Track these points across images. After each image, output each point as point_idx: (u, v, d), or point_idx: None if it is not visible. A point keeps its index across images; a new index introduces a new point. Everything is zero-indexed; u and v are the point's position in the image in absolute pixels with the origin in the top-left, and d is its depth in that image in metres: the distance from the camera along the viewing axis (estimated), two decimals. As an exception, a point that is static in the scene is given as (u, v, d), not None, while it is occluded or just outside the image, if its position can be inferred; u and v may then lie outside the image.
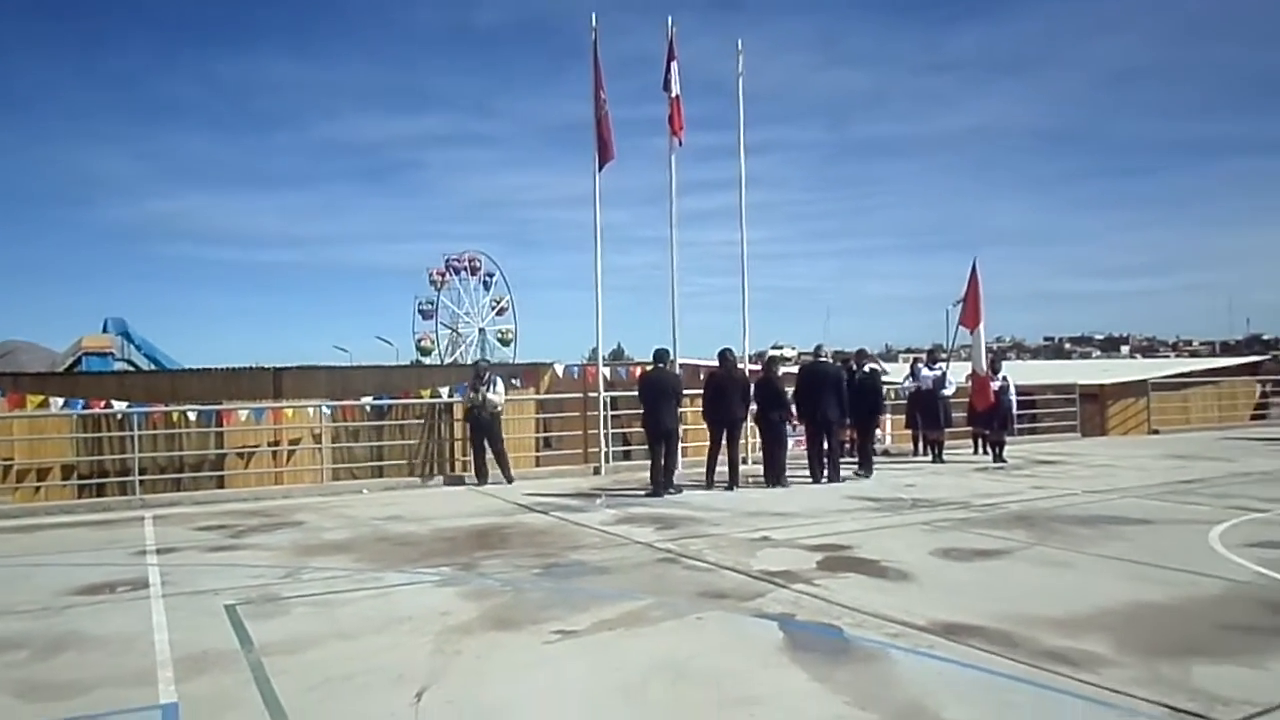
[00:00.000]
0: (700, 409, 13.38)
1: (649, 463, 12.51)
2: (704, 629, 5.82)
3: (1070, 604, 6.19)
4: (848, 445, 14.75)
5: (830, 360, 13.73)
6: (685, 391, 13.29)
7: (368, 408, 15.53)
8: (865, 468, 13.73)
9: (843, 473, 13.33)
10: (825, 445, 13.23)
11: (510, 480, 13.36)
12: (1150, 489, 11.92)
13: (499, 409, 13.60)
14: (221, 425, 14.31)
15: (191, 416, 14.05)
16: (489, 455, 13.53)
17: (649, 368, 13.38)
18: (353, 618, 6.20)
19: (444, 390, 16.52)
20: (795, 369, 14.61)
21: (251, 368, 17.99)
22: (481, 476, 13.48)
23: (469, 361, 59.82)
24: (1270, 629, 5.66)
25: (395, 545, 8.89)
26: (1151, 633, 5.57)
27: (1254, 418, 25.06)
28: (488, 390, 13.51)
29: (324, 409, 14.80)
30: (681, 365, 14.78)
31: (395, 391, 17.27)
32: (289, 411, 14.85)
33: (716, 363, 13.19)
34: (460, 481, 13.84)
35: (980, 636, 5.48)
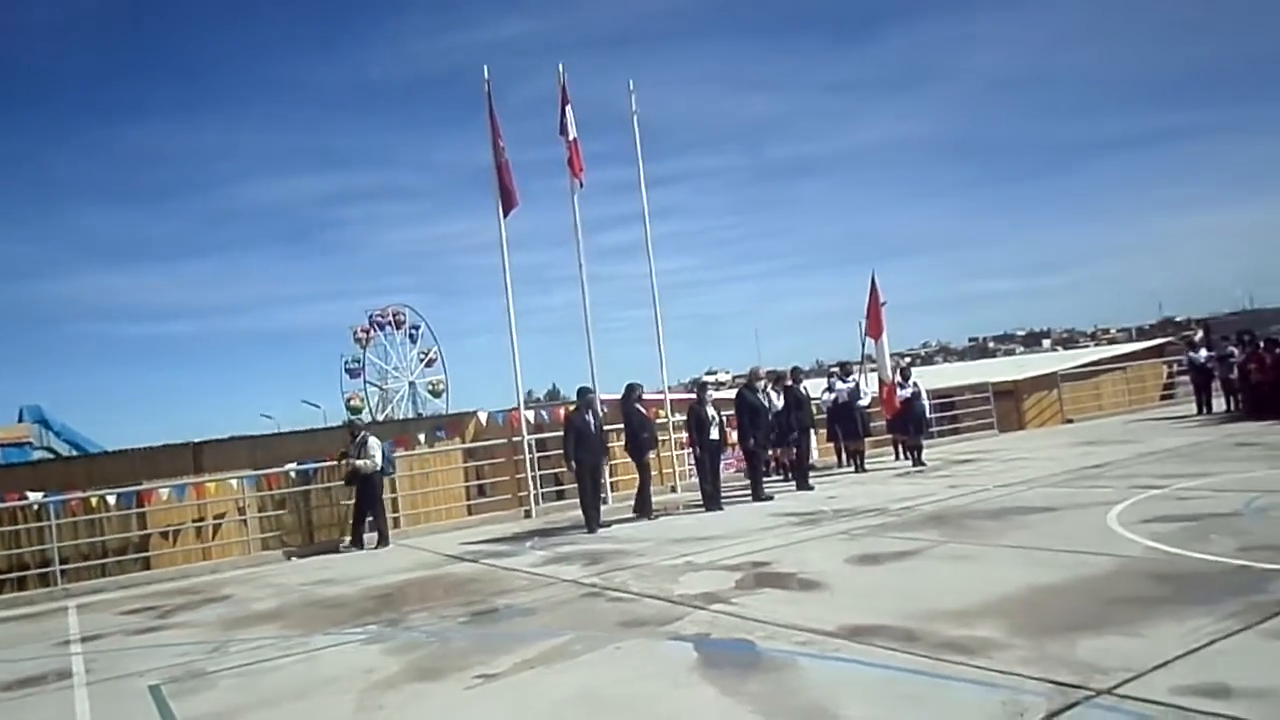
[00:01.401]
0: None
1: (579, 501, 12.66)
2: (621, 657, 5.99)
3: (970, 595, 6.50)
4: (783, 464, 15.19)
5: (763, 383, 14.14)
6: (608, 427, 13.49)
7: (292, 474, 15.40)
8: (802, 483, 14.09)
9: (777, 490, 13.70)
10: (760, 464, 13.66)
11: (386, 543, 13.06)
12: (1058, 477, 12.40)
13: (373, 470, 13.15)
14: (143, 506, 14.07)
15: (111, 500, 13.80)
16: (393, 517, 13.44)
17: (572, 408, 13.57)
18: (277, 685, 6.24)
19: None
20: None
21: (169, 445, 17.70)
22: (356, 541, 13.14)
23: (400, 417, 59.44)
24: (1151, 599, 6.01)
25: (324, 608, 8.90)
26: (1043, 614, 5.88)
27: (1162, 398, 26.03)
28: (356, 453, 13.11)
29: (245, 480, 14.64)
30: (604, 401, 14.99)
31: (323, 455, 17.17)
32: (211, 486, 14.67)
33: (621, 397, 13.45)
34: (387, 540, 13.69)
35: (884, 635, 5.74)
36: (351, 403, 65.36)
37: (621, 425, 13.46)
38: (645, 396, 14.66)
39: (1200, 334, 31.52)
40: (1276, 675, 4.37)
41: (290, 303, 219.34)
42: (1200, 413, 20.10)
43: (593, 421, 12.65)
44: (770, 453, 15.01)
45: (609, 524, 12.33)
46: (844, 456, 16.79)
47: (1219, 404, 20.36)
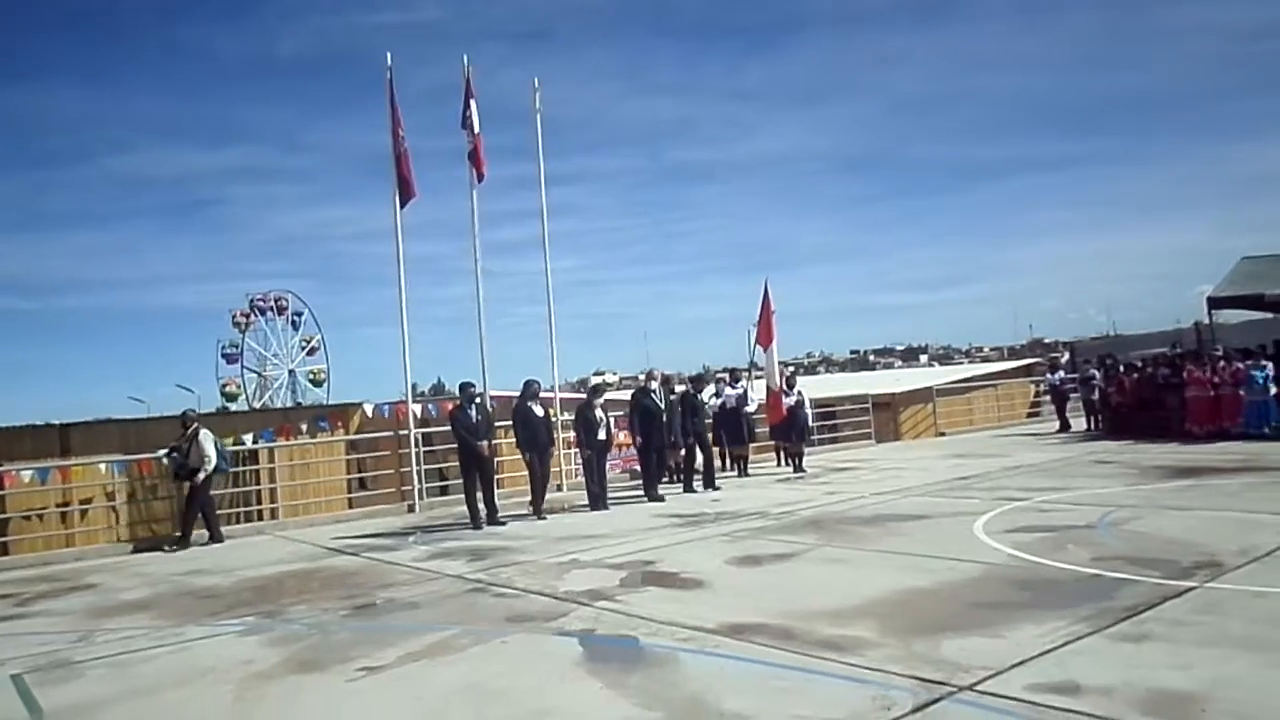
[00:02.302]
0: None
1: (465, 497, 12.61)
2: (507, 651, 6.05)
3: (845, 597, 6.77)
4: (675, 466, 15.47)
5: (658, 384, 14.38)
6: (498, 423, 13.47)
7: (165, 460, 14.90)
8: (691, 487, 14.44)
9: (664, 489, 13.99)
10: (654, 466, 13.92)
11: (220, 540, 12.28)
12: (930, 487, 12.94)
13: (208, 470, 12.31)
14: (2, 488, 13.42)
15: (-33, 482, 13.12)
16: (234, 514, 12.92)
17: (455, 403, 13.51)
18: (151, 675, 6.08)
19: (247, 438, 16.05)
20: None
21: (35, 425, 16.92)
22: (184, 541, 12.18)
23: (278, 405, 57.81)
24: (1013, 604, 6.37)
25: (197, 599, 8.67)
26: (912, 615, 6.18)
27: (1029, 415, 27.34)
28: (187, 447, 12.28)
29: (115, 465, 14.11)
30: (495, 397, 14.98)
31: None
32: (78, 469, 14.09)
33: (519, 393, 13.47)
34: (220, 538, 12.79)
35: (762, 633, 5.95)
36: (227, 389, 63.21)
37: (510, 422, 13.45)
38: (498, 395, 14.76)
39: (1065, 356, 33.22)
40: (1121, 674, 4.72)
41: (168, 281, 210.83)
42: (1060, 430, 21.20)
43: (476, 415, 12.59)
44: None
45: (502, 521, 12.25)
46: (728, 461, 17.12)
47: (1080, 423, 21.50)
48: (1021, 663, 5.00)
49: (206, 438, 12.41)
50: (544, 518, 12.48)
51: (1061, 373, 23.00)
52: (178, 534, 12.41)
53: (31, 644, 7.21)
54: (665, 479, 15.45)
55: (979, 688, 4.67)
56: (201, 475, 12.25)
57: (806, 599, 6.79)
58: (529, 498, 12.96)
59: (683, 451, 14.82)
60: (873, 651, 5.39)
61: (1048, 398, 24.62)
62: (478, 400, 13.09)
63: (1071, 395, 22.48)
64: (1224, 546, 7.68)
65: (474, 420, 12.50)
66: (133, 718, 5.19)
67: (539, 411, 13.08)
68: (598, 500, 13.09)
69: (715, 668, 5.34)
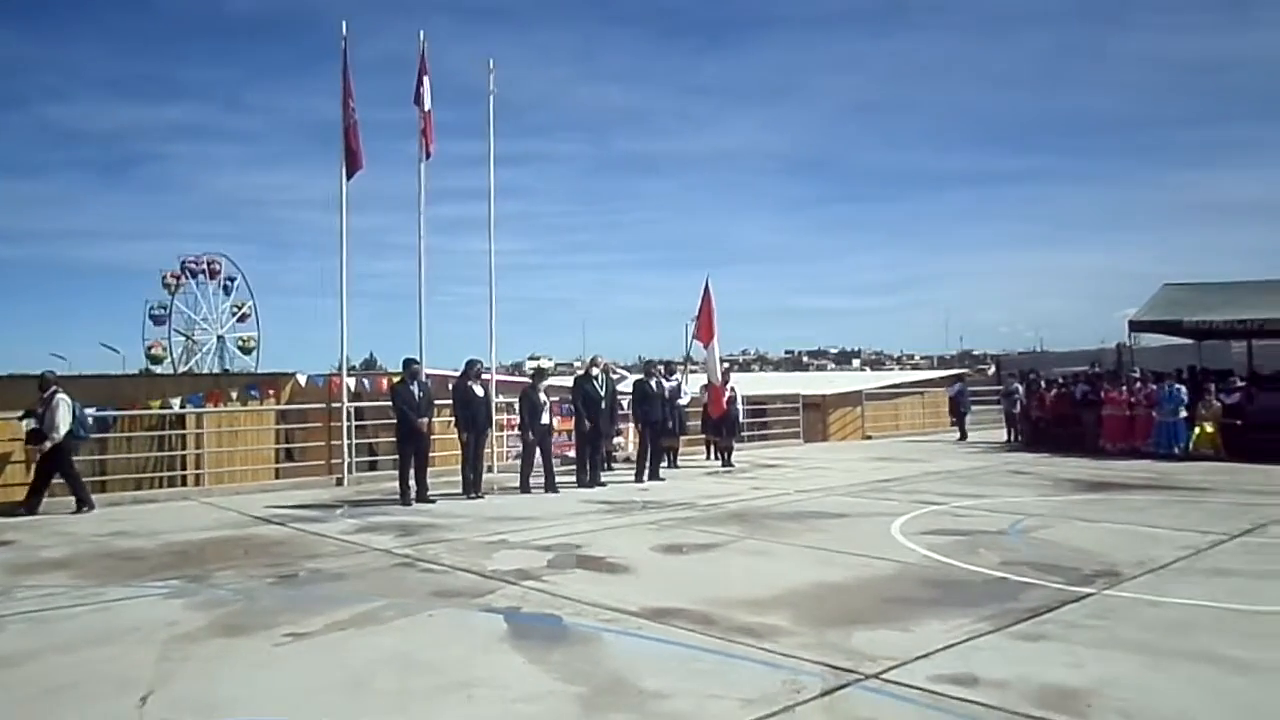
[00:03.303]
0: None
1: (396, 473, 12.64)
2: (433, 624, 6.17)
3: (763, 587, 7.02)
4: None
5: (599, 370, 14.48)
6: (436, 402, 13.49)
7: (89, 420, 14.64)
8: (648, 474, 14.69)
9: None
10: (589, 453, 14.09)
11: (89, 508, 11.72)
12: (853, 487, 13.31)
13: (53, 436, 11.56)
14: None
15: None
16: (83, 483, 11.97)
17: (397, 379, 13.52)
18: (72, 632, 6.09)
19: (175, 401, 15.85)
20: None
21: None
22: (30, 507, 11.57)
23: (205, 370, 56.75)
24: (923, 600, 6.67)
25: (120, 560, 8.61)
26: (826, 607, 6.44)
27: (953, 424, 28.03)
28: (42, 411, 11.60)
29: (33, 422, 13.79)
30: (429, 374, 14.98)
31: (122, 402, 16.38)
32: (-5, 424, 13.74)
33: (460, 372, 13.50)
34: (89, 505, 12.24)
35: (683, 617, 6.16)
36: (153, 351, 61.81)
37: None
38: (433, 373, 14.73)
39: (992, 369, 34.08)
40: (1017, 669, 5.01)
41: (97, 237, 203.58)
42: (960, 439, 22.83)
43: (419, 392, 12.64)
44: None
45: (431, 499, 12.29)
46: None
47: (999, 435, 22.21)
48: (925, 655, 5.28)
49: (63, 403, 11.69)
50: (478, 496, 12.58)
51: (959, 385, 25.15)
52: (24, 500, 11.75)
53: (-53, 597, 7.15)
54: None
55: (884, 676, 4.93)
56: (48, 443, 11.60)
57: (727, 587, 7.02)
58: (459, 477, 13.02)
59: (618, 439, 15.01)
60: (787, 639, 5.62)
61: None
62: (420, 378, 13.12)
63: (975, 408, 24.43)
64: (1124, 557, 8.09)
65: (416, 397, 12.55)
66: (56, 670, 5.20)
67: (479, 391, 13.16)
68: (529, 484, 13.20)
69: (636, 648, 5.54)
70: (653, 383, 15.12)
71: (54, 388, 11.85)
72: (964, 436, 23.21)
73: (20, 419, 12.17)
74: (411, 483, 12.36)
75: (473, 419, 12.91)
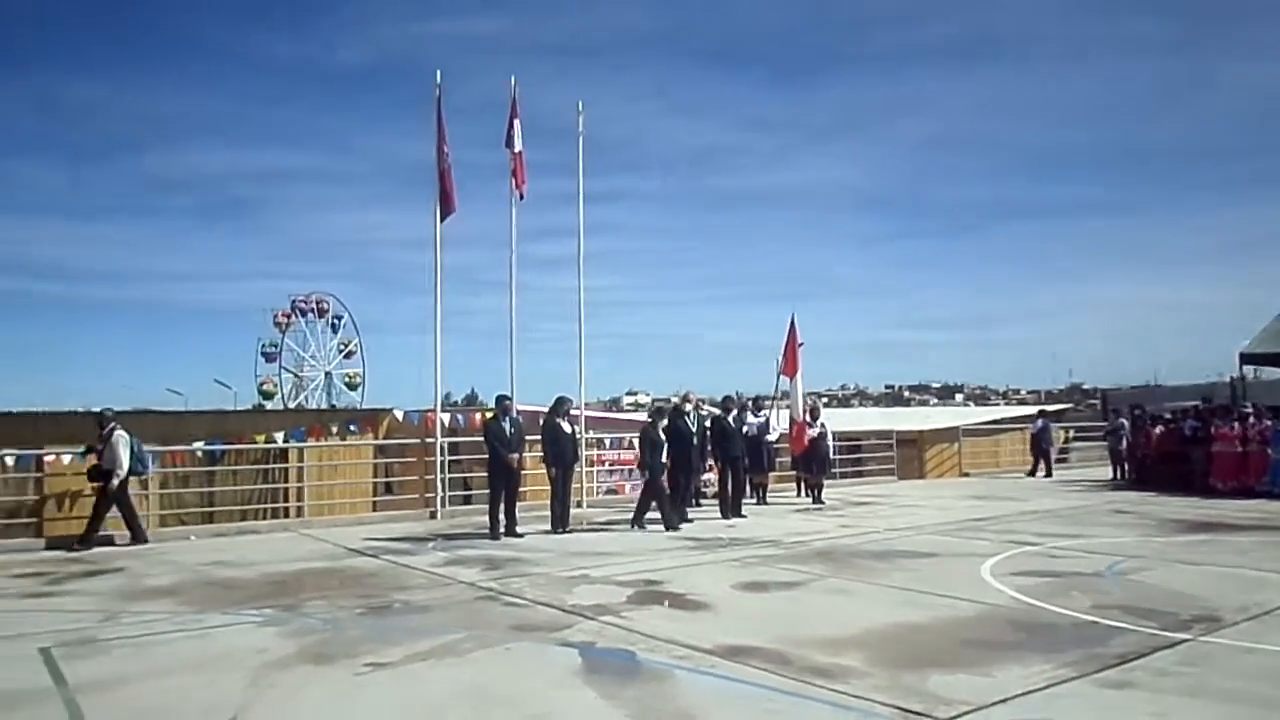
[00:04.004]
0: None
1: (487, 507, 12.85)
2: (510, 657, 6.28)
3: (843, 627, 6.94)
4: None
5: (692, 406, 14.37)
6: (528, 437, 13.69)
7: (199, 453, 15.34)
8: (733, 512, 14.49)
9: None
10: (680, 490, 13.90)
11: (142, 541, 12.03)
12: (945, 526, 13.02)
13: (118, 473, 11.91)
14: (40, 470, 13.87)
15: (9, 461, 13.58)
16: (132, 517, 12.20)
17: (489, 414, 13.79)
18: (170, 657, 6.38)
19: (279, 435, 16.45)
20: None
21: (77, 412, 17.39)
22: (85, 541, 11.73)
23: (313, 406, 58.63)
24: (1006, 644, 6.50)
25: (220, 589, 8.98)
26: (904, 649, 6.33)
27: (1058, 461, 27.15)
28: (102, 448, 11.93)
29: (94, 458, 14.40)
30: (520, 411, 15.23)
31: (230, 436, 17.10)
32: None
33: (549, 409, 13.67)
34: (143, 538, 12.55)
35: (758, 656, 6.13)
36: (264, 387, 64.36)
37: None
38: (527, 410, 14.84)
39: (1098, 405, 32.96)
40: (1096, 717, 4.87)
41: (209, 279, 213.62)
42: (1043, 475, 22.61)
43: (510, 428, 12.86)
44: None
45: (520, 534, 12.45)
46: (747, 489, 17.24)
47: (1105, 473, 21.45)
48: (1002, 700, 5.15)
49: (121, 440, 11.98)
50: (566, 531, 12.71)
51: (1041, 421, 24.20)
52: (81, 534, 11.90)
53: (61, 620, 7.60)
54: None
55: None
56: (115, 480, 11.90)
57: (806, 627, 6.96)
58: (548, 512, 13.16)
59: (706, 476, 14.98)
60: (860, 680, 5.55)
61: (1077, 444, 24.67)
62: (511, 414, 13.36)
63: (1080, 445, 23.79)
64: (1225, 602, 7.74)
65: (507, 433, 12.77)
66: (151, 694, 5.46)
67: (566, 428, 13.33)
68: (559, 522, 12.95)
69: (708, 686, 5.54)
70: (730, 418, 15.02)
71: (113, 424, 12.18)
72: (1049, 474, 22.69)
73: (81, 455, 12.50)
74: (501, 517, 12.55)
75: (560, 455, 13.07)
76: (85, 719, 5.05)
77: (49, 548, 11.86)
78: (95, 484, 12.12)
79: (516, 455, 12.81)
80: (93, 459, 12.14)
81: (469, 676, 5.80)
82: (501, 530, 12.43)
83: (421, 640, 6.66)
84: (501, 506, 12.60)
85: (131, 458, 12.08)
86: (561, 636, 6.81)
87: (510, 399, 13.83)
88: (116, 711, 5.16)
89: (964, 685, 5.46)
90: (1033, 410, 36.27)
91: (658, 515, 13.41)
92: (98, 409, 12.87)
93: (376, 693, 5.51)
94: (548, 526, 12.91)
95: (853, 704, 5.13)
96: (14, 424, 16.73)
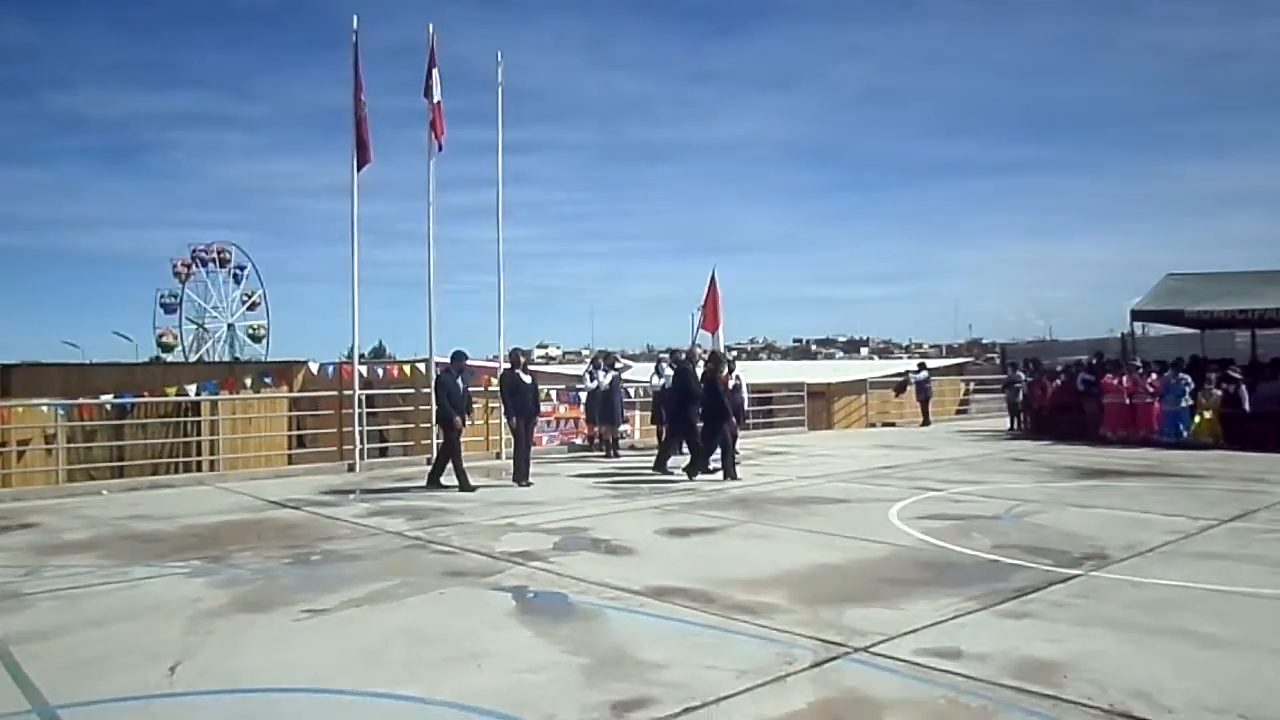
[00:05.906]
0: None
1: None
2: (445, 601, 6.46)
3: (762, 568, 7.29)
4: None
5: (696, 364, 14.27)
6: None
7: (108, 407, 15.01)
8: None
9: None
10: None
11: None
12: (854, 474, 13.56)
13: None
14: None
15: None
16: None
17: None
18: (101, 608, 6.39)
19: (191, 388, 16.17)
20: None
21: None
22: None
23: (215, 359, 57.17)
24: (914, 581, 6.93)
25: (141, 542, 8.93)
26: (820, 587, 6.71)
27: (958, 412, 28.29)
28: None
29: (58, 408, 14.17)
30: (439, 364, 15.25)
31: (140, 389, 16.73)
32: (18, 410, 14.12)
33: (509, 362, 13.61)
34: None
35: (684, 596, 6.43)
36: (164, 339, 62.25)
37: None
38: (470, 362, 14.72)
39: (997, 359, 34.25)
40: (999, 644, 5.28)
41: (105, 225, 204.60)
42: (923, 424, 23.89)
43: (462, 386, 12.75)
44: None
45: (445, 485, 12.38)
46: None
47: (1002, 423, 22.44)
48: (913, 631, 5.55)
49: None
50: (530, 484, 12.60)
51: (925, 373, 25.44)
52: None
53: (-20, 575, 7.46)
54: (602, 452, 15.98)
55: (872, 650, 5.20)
56: None
57: (727, 568, 7.29)
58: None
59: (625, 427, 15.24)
60: (782, 616, 5.90)
61: (978, 395, 25.70)
62: (466, 371, 13.16)
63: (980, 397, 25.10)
64: (1113, 541, 8.33)
65: (460, 392, 12.63)
66: (89, 643, 5.50)
67: (526, 379, 13.31)
68: (521, 475, 12.82)
69: (638, 624, 5.82)
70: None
71: None
72: (926, 421, 24.06)
73: None
74: (448, 468, 12.41)
75: (522, 406, 13.04)
76: (23, 669, 5.07)
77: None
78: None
79: (460, 417, 12.52)
80: None
81: (405, 620, 5.97)
82: (442, 482, 12.30)
83: (356, 587, 6.80)
84: (443, 461, 12.50)
85: None
86: (493, 581, 7.01)
87: (465, 355, 13.48)
88: (56, 661, 5.19)
89: (877, 618, 5.84)
90: (938, 364, 37.55)
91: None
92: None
93: (316, 636, 5.64)
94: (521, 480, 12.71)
95: (775, 636, 5.46)
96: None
